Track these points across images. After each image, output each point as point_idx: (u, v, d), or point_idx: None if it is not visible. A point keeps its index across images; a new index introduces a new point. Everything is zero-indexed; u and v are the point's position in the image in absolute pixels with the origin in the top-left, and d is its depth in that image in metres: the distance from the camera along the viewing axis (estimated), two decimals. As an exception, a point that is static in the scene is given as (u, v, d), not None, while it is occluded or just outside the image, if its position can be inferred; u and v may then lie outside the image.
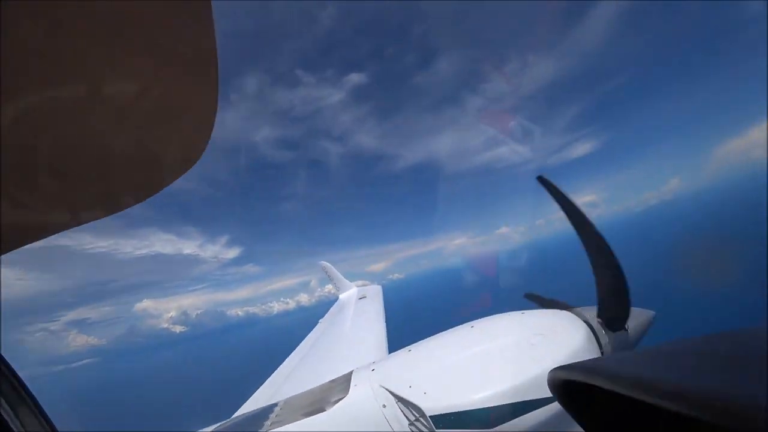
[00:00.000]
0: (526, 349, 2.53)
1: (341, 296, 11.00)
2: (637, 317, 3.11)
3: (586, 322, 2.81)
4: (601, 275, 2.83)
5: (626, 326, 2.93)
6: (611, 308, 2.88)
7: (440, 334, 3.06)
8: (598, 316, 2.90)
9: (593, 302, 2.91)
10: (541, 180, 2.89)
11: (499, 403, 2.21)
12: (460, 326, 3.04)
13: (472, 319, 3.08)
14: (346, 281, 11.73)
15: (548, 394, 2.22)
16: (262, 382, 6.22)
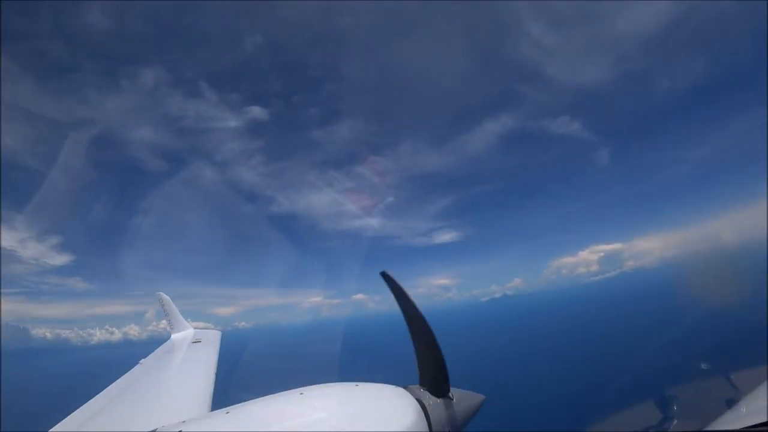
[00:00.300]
0: (352, 424, 2.35)
1: (174, 336, 9.54)
2: (468, 399, 3.27)
3: (419, 400, 2.75)
4: (421, 349, 3.11)
5: (450, 395, 3.04)
6: (431, 373, 3.06)
7: (267, 397, 2.73)
8: (421, 384, 3.00)
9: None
10: (384, 276, 3.24)
11: None
12: (289, 391, 2.69)
13: (315, 382, 2.88)
14: (183, 320, 10.27)
15: None
16: (57, 422, 4.70)
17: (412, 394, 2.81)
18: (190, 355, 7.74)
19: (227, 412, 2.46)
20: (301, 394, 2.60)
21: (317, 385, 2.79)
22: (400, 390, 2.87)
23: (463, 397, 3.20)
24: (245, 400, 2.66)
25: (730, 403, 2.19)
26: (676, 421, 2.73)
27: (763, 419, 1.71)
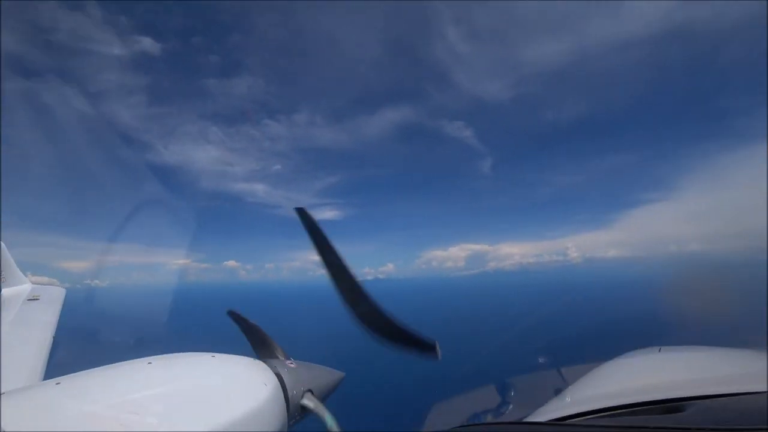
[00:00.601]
0: (203, 398, 2.11)
1: (4, 291, 7.38)
2: (328, 375, 3.26)
3: (277, 374, 2.60)
4: (352, 305, 2.92)
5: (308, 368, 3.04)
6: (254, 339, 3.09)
7: (109, 366, 2.28)
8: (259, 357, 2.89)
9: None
10: (300, 212, 2.97)
11: None
12: (135, 360, 2.34)
13: (171, 352, 2.54)
14: (19, 273, 7.69)
15: None
16: None
17: (270, 368, 2.65)
18: (24, 314, 6.23)
19: (58, 383, 1.98)
20: (149, 363, 2.23)
21: (168, 355, 2.48)
22: (259, 363, 2.69)
23: (322, 373, 3.20)
24: (85, 369, 2.23)
25: (558, 392, 2.50)
26: (511, 406, 3.05)
27: (581, 408, 1.97)
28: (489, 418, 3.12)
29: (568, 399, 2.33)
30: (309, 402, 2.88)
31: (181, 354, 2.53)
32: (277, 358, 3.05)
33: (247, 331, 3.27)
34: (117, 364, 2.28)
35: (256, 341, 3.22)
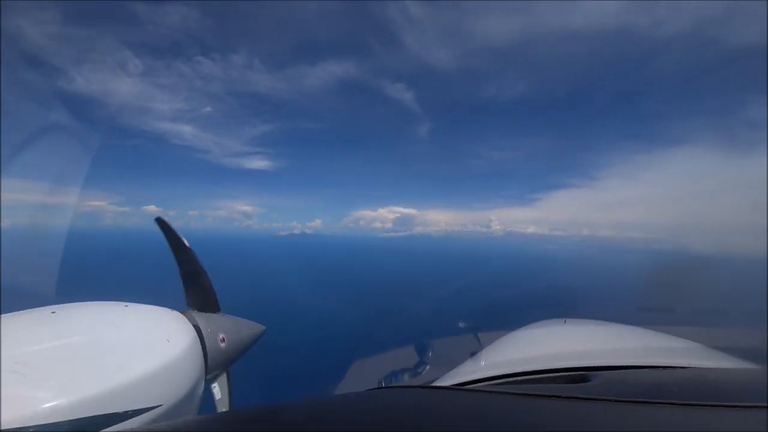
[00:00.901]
0: (114, 349, 1.96)
1: None
2: (248, 328, 3.23)
3: (196, 327, 2.53)
4: (184, 270, 3.06)
5: (225, 317, 3.04)
6: (195, 290, 2.99)
7: (5, 316, 2.05)
8: (189, 305, 2.87)
9: None
10: (159, 222, 3.14)
11: (76, 416, 1.65)
12: (37, 309, 2.13)
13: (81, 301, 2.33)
14: None
15: (140, 405, 1.82)
16: None
17: (188, 319, 2.58)
18: None
19: None
20: (53, 313, 2.08)
21: (75, 303, 2.29)
22: (176, 313, 2.59)
23: (242, 326, 3.18)
24: None
25: (473, 355, 2.66)
26: (428, 367, 3.22)
27: (487, 374, 2.08)
28: (406, 378, 3.23)
29: (475, 364, 2.42)
30: (216, 386, 2.88)
31: (89, 303, 2.36)
32: (204, 310, 2.94)
33: (184, 269, 3.09)
34: (14, 313, 2.07)
35: (192, 283, 3.07)
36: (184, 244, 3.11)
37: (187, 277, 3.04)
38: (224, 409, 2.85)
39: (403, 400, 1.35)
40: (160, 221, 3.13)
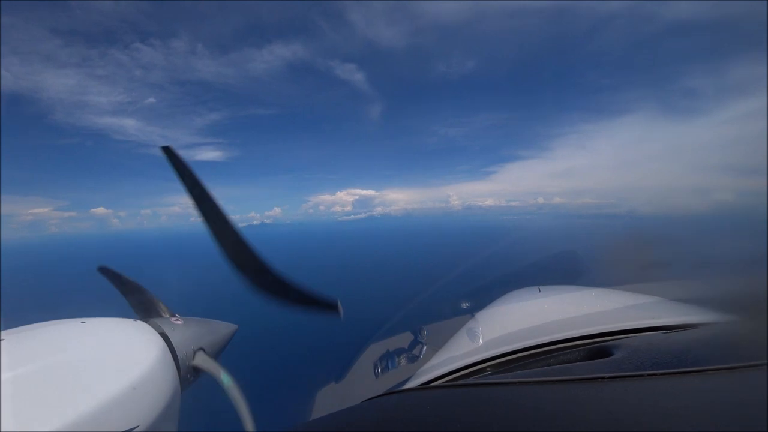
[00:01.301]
0: (75, 374, 1.75)
1: None
2: (219, 328, 3.08)
3: (163, 335, 2.30)
4: (122, 282, 2.88)
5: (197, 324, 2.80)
6: (138, 299, 2.83)
7: None
8: (138, 313, 2.69)
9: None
10: (167, 150, 2.58)
11: None
12: None
13: (33, 322, 2.05)
14: None
15: (115, 429, 1.65)
16: None
17: (154, 327, 2.32)
18: None
19: None
20: (2, 340, 1.80)
21: (25, 327, 1.96)
22: (140, 323, 2.31)
23: (213, 328, 3.00)
24: None
25: (454, 339, 2.61)
26: (425, 348, 3.15)
27: (471, 360, 2.06)
28: (402, 361, 3.18)
29: (455, 351, 2.34)
30: (201, 362, 2.65)
31: (41, 324, 2.04)
32: (161, 316, 2.75)
33: (124, 289, 2.92)
34: None
35: (135, 300, 2.89)
36: (131, 286, 2.96)
37: (127, 289, 2.88)
38: (222, 373, 2.71)
39: (403, 407, 1.27)
40: (103, 271, 3.03)
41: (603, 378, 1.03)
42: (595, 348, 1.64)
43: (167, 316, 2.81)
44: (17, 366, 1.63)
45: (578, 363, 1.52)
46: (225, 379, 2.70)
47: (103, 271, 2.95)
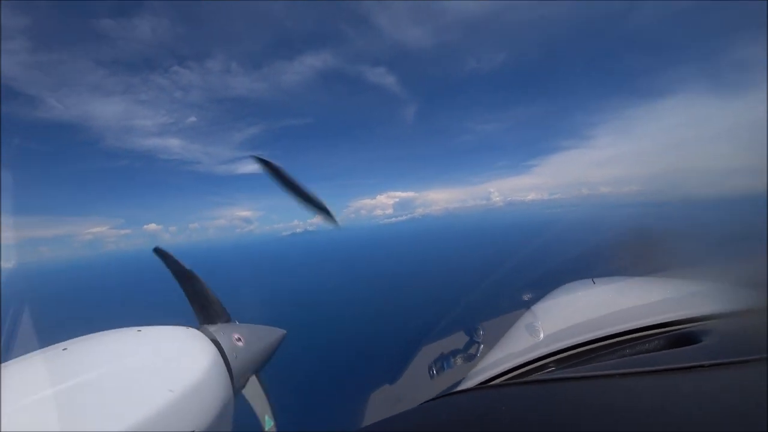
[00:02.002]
0: (133, 379, 1.87)
1: None
2: (268, 334, 3.15)
3: (215, 341, 2.40)
4: (189, 291, 2.92)
5: (228, 318, 2.94)
6: (202, 306, 2.87)
7: (16, 360, 1.92)
8: (203, 323, 2.74)
9: None
10: (158, 252, 2.99)
11: None
12: (48, 348, 2.01)
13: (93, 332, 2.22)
14: None
15: (174, 428, 1.73)
16: None
17: (206, 334, 2.43)
18: None
19: None
20: (64, 350, 1.91)
21: (86, 336, 2.11)
22: (192, 330, 2.44)
23: (262, 333, 3.07)
24: None
25: (507, 336, 2.49)
26: (481, 346, 3.05)
27: (529, 356, 1.98)
28: (458, 361, 3.08)
29: (512, 347, 2.26)
30: (251, 394, 2.76)
31: (100, 333, 2.17)
32: (216, 323, 2.84)
33: (177, 273, 3.02)
34: (25, 356, 1.91)
35: (189, 287, 3.00)
36: (184, 269, 3.02)
37: (193, 297, 2.97)
38: (266, 415, 2.77)
39: (463, 408, 1.22)
40: (158, 251, 3.05)
41: (703, 366, 0.92)
42: (675, 336, 1.53)
43: (220, 311, 2.94)
44: (77, 374, 1.75)
45: (664, 351, 1.41)
46: (267, 423, 2.77)
47: (158, 251, 3.04)
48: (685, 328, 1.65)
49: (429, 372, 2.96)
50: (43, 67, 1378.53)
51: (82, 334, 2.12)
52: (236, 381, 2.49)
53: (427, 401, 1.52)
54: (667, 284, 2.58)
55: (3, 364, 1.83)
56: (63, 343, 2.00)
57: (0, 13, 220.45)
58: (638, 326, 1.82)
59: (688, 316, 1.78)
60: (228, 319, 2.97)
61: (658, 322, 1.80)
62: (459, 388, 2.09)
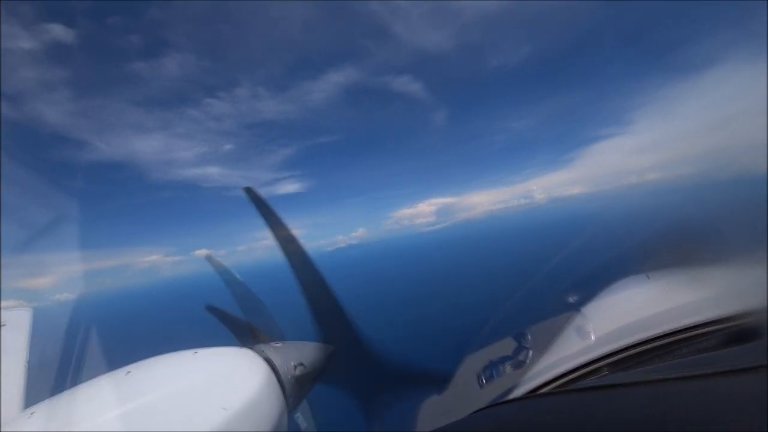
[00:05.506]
0: (191, 399, 1.97)
1: None
2: (319, 350, 3.19)
3: (267, 359, 2.50)
4: (243, 307, 2.89)
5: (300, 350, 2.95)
6: (252, 328, 2.90)
7: (85, 384, 2.11)
8: (255, 343, 2.76)
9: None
10: (249, 191, 2.87)
11: None
12: (113, 373, 2.17)
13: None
14: None
15: None
16: None
17: (258, 354, 2.55)
18: None
19: (32, 413, 1.85)
20: (128, 373, 2.09)
21: (146, 360, 2.31)
22: (245, 351, 2.56)
23: (311, 350, 3.11)
24: (63, 391, 2.07)
25: (580, 331, 2.36)
26: (531, 352, 2.93)
27: (585, 359, 1.92)
28: (508, 369, 2.97)
29: (563, 352, 2.19)
30: (301, 421, 2.81)
31: (159, 357, 2.37)
32: (263, 342, 2.92)
33: (229, 324, 3.16)
34: (92, 380, 2.12)
35: (239, 331, 3.13)
36: (275, 215, 3.04)
37: (247, 314, 3.06)
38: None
39: (514, 418, 1.17)
40: (249, 191, 3.02)
41: (764, 366, 0.84)
42: (737, 331, 1.42)
43: (268, 342, 2.99)
44: (140, 396, 1.89)
45: (724, 350, 1.31)
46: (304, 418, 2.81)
47: (211, 309, 3.20)
48: (746, 322, 1.54)
49: (478, 381, 2.89)
50: (87, 113, 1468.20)
51: (144, 358, 2.31)
52: (289, 398, 2.58)
53: (477, 411, 1.49)
54: (727, 274, 2.39)
55: (73, 389, 2.02)
56: (126, 367, 2.18)
57: (0, 12, 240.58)
58: (695, 323, 1.71)
59: (749, 309, 1.66)
60: (281, 338, 3.06)
61: (717, 317, 1.68)
62: (509, 397, 2.04)
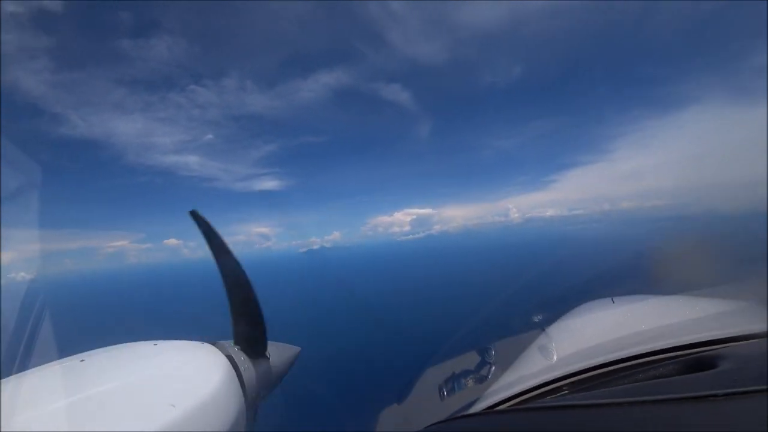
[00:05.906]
0: (146, 391, 1.87)
1: None
2: (282, 351, 3.12)
3: (228, 356, 2.40)
4: (236, 304, 2.79)
5: (267, 354, 2.85)
6: (246, 331, 2.78)
7: (35, 370, 2.01)
8: (236, 343, 2.66)
9: None
10: (194, 215, 2.84)
11: None
12: (67, 359, 2.05)
13: (115, 344, 2.23)
14: None
15: None
16: None
17: (221, 350, 2.44)
18: None
19: None
20: (82, 361, 1.99)
21: (103, 349, 2.20)
22: (207, 346, 2.46)
23: (277, 350, 3.04)
24: (8, 375, 1.94)
25: (525, 356, 2.41)
26: (493, 367, 2.95)
27: (547, 377, 1.92)
28: (469, 382, 2.99)
29: (525, 369, 2.19)
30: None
31: (117, 346, 2.26)
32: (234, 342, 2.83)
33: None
34: (43, 366, 1.99)
35: (243, 324, 2.98)
36: (222, 242, 2.88)
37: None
38: None
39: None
40: (195, 215, 2.89)
41: (716, 396, 0.86)
42: (692, 359, 1.45)
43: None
44: (93, 385, 1.79)
45: (677, 378, 1.34)
46: None
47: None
48: (704, 351, 1.58)
49: (439, 393, 2.88)
50: (67, 86, 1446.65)
51: (102, 346, 2.20)
52: (249, 398, 2.49)
53: (435, 423, 1.48)
54: (691, 303, 2.46)
55: (20, 374, 1.90)
56: (81, 354, 2.07)
57: (0, 12, 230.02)
58: (654, 349, 1.75)
59: (710, 338, 1.71)
60: (262, 350, 2.96)
61: (677, 344, 1.72)
62: (470, 411, 2.04)
